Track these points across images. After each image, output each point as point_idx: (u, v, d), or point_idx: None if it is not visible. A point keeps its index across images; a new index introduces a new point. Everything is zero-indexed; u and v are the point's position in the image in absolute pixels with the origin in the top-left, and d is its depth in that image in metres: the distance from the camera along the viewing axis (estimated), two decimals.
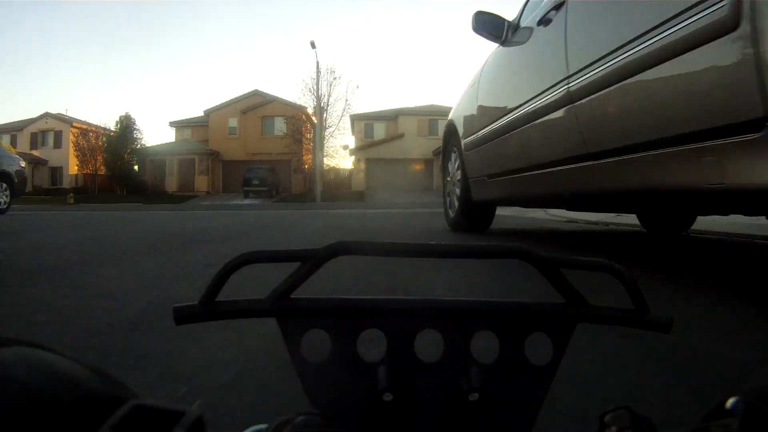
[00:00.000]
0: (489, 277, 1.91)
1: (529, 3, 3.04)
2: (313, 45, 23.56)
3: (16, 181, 9.79)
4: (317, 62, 25.90)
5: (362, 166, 36.31)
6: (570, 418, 0.70)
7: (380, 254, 0.37)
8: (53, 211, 12.69)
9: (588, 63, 2.04)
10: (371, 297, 0.38)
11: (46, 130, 39.38)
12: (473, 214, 4.20)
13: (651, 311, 0.37)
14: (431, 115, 38.93)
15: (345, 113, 35.34)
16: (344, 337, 0.37)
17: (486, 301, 0.38)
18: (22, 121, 40.16)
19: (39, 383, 0.22)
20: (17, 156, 10.69)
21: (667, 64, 1.56)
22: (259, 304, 0.36)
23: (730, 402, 0.24)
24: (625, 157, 1.88)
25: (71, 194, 29.06)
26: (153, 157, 36.37)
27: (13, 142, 37.72)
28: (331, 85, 34.00)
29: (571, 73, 2.20)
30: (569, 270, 0.37)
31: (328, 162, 35.11)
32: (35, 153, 38.49)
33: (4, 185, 9.56)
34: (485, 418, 0.36)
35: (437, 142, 35.92)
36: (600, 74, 1.95)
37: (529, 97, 2.68)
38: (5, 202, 9.61)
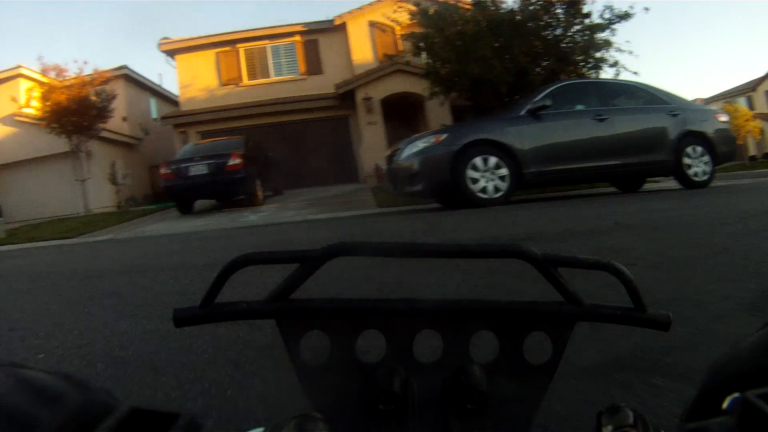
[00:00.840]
0: None
1: None
2: None
3: (715, 143, 7.18)
4: None
5: None
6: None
7: (379, 255, 0.37)
8: None
9: None
10: (370, 298, 0.38)
11: None
12: None
13: (648, 310, 0.36)
14: None
15: None
16: (343, 338, 0.37)
17: (485, 300, 0.38)
18: (753, 81, 33.91)
19: (30, 398, 0.23)
20: (713, 109, 8.52)
21: None
22: (258, 305, 0.37)
23: (727, 400, 0.23)
24: None
25: None
26: None
27: (749, 104, 31.64)
28: None
29: None
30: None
31: None
32: None
33: (699, 149, 7.01)
34: (485, 418, 0.36)
35: None
36: None
37: None
38: (704, 172, 6.84)
